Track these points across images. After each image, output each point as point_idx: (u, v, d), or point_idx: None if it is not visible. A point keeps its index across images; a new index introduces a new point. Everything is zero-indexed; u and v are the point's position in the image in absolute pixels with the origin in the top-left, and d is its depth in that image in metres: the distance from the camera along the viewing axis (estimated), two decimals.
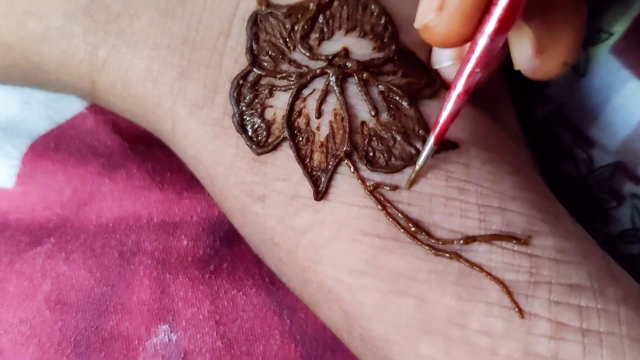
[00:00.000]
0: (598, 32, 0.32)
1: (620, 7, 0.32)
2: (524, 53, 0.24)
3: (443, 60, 0.27)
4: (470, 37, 0.22)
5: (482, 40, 0.21)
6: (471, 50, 0.22)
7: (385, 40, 0.26)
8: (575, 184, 0.34)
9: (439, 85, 0.26)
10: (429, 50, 0.27)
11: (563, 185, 0.34)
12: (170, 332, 0.30)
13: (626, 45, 0.31)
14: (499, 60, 0.27)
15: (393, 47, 0.26)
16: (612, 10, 0.32)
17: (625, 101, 0.32)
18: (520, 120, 0.33)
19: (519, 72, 0.27)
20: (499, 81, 0.31)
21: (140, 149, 0.33)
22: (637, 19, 0.32)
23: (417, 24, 0.23)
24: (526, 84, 0.35)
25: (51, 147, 0.33)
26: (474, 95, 0.27)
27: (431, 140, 0.23)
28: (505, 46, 0.25)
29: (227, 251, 0.31)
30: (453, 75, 0.27)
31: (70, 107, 0.34)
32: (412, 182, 0.24)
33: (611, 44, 0.32)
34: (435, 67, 0.27)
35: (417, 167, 0.24)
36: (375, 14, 0.26)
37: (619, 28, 0.32)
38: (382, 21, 0.26)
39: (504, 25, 0.21)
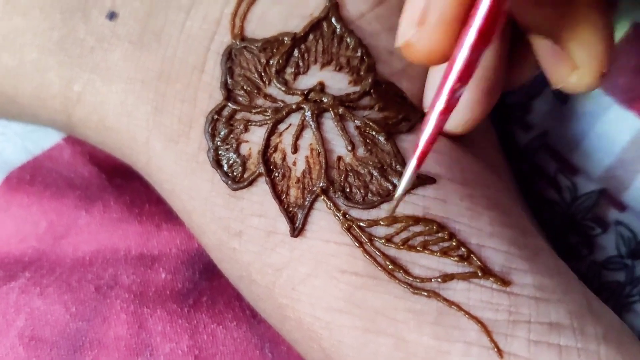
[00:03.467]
0: None
1: None
2: (560, 72, 0.24)
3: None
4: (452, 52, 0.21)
5: (463, 54, 0.20)
6: (450, 66, 0.21)
7: (361, 73, 0.26)
8: (560, 211, 0.33)
9: (417, 119, 0.25)
10: (409, 78, 0.27)
11: (547, 212, 0.34)
12: None
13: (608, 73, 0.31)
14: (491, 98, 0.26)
15: (369, 81, 0.25)
16: None
17: (608, 128, 0.32)
18: (502, 147, 0.33)
19: (500, 100, 0.27)
20: None
21: (118, 181, 0.32)
22: (618, 46, 0.32)
23: (398, 43, 0.22)
24: (508, 110, 0.35)
25: (27, 179, 0.32)
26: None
27: (413, 164, 0.22)
28: (493, 75, 0.25)
29: (207, 284, 0.31)
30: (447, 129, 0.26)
31: (47, 138, 0.33)
32: (392, 210, 0.23)
33: None
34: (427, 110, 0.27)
35: (399, 193, 0.23)
36: (351, 46, 0.26)
37: None
38: (358, 54, 0.26)
39: (484, 37, 0.20)
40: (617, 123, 0.32)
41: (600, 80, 0.24)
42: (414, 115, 0.26)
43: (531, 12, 0.23)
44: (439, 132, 0.22)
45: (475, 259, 0.23)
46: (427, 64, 0.22)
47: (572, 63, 0.23)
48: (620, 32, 0.32)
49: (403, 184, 0.23)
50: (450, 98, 0.21)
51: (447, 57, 0.21)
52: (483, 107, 0.26)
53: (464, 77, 0.21)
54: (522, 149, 0.34)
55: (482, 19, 0.19)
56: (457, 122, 0.26)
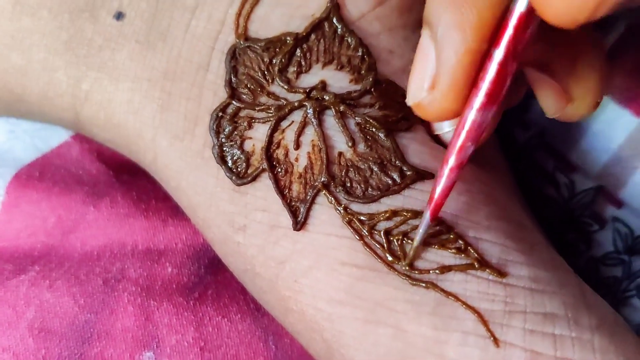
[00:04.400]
0: None
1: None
2: (554, 105, 0.24)
3: (444, 127, 0.27)
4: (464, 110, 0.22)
5: (471, 115, 0.21)
6: (461, 125, 0.21)
7: (362, 72, 0.26)
8: (558, 207, 0.34)
9: (416, 119, 0.26)
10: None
11: (546, 209, 0.34)
12: (155, 358, 0.30)
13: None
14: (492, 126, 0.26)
15: (370, 79, 0.26)
16: None
17: (605, 126, 0.33)
18: (502, 145, 0.34)
19: None
20: None
21: (125, 178, 0.33)
22: (614, 47, 0.32)
23: (410, 102, 0.22)
24: (507, 110, 0.35)
25: (36, 176, 0.33)
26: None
27: (427, 217, 0.23)
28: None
29: (212, 278, 0.31)
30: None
31: (56, 136, 0.34)
32: (411, 259, 0.24)
33: None
34: (437, 133, 0.27)
35: (415, 244, 0.24)
36: (352, 46, 0.27)
37: None
38: (359, 53, 0.27)
39: (493, 98, 0.20)
40: (614, 121, 0.32)
41: (594, 108, 0.24)
42: (412, 115, 0.26)
43: (530, 50, 0.24)
44: (452, 186, 0.23)
45: (472, 251, 0.24)
46: (438, 121, 0.23)
47: (568, 96, 0.24)
48: (615, 33, 0.33)
49: (420, 234, 0.23)
50: (461, 155, 0.22)
51: (457, 114, 0.22)
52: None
53: (474, 136, 0.21)
54: (521, 147, 0.35)
55: (490, 82, 0.20)
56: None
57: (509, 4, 0.19)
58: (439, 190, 0.23)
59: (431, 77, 0.21)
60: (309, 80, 0.26)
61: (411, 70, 0.22)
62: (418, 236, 0.23)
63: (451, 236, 0.24)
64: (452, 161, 0.22)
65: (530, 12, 0.19)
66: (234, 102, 0.26)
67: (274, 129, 0.26)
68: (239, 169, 0.26)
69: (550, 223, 0.34)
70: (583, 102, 0.24)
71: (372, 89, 0.26)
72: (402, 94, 0.27)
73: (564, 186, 0.34)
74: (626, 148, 0.32)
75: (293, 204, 0.25)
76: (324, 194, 0.25)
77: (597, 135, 0.33)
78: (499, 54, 0.20)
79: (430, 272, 0.24)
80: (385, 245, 0.24)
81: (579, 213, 0.34)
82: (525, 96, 0.35)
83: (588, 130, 0.33)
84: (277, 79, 0.26)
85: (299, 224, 0.25)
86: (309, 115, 0.26)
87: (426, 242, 0.24)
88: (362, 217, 0.24)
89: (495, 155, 0.32)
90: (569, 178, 0.34)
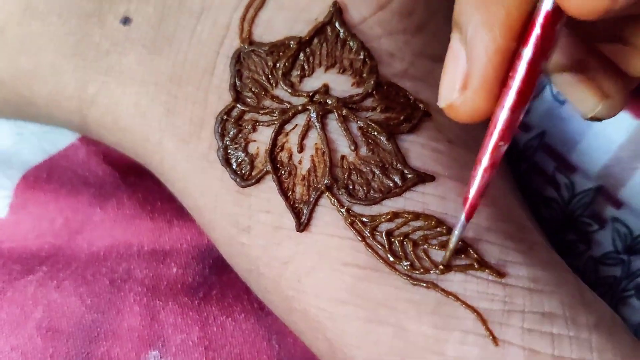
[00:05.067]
0: None
1: None
2: (592, 104, 0.24)
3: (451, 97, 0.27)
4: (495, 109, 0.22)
5: (503, 114, 0.21)
6: (493, 125, 0.21)
7: (364, 75, 0.27)
8: (558, 208, 0.34)
9: (418, 119, 0.27)
10: (411, 79, 0.28)
11: (546, 209, 0.35)
12: (160, 357, 0.30)
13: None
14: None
15: (372, 82, 0.27)
16: None
17: (605, 127, 0.33)
18: None
19: None
20: None
21: (131, 179, 0.34)
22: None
23: (442, 104, 0.22)
24: None
25: (43, 177, 0.33)
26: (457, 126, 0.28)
27: (462, 218, 0.23)
28: None
29: (216, 279, 0.32)
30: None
31: (63, 138, 0.35)
32: (448, 259, 0.24)
33: None
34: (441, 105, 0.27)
35: (452, 245, 0.24)
36: (354, 49, 0.27)
37: None
38: (361, 56, 0.27)
39: (523, 97, 0.21)
40: (614, 123, 0.33)
41: (627, 104, 0.24)
42: (416, 114, 0.27)
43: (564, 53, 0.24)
44: (486, 186, 0.23)
45: (472, 251, 0.24)
46: (471, 122, 0.23)
47: (603, 93, 0.23)
48: None
49: (456, 235, 0.24)
50: (494, 154, 0.22)
51: (489, 114, 0.22)
52: None
53: (506, 135, 0.21)
54: (522, 148, 0.35)
55: (521, 80, 0.20)
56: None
57: (536, 2, 0.20)
58: (473, 191, 0.23)
59: (462, 77, 0.21)
60: (312, 83, 0.27)
61: (442, 73, 0.22)
62: (454, 237, 0.24)
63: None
64: (485, 161, 0.22)
65: (556, 10, 0.19)
66: (238, 105, 0.27)
67: (278, 132, 0.26)
68: (243, 171, 0.27)
69: (551, 223, 0.34)
70: (618, 97, 0.24)
71: (374, 92, 0.27)
72: (404, 95, 0.27)
73: (564, 187, 0.34)
74: (626, 149, 0.33)
75: (296, 205, 0.26)
76: (327, 196, 0.25)
77: (597, 136, 0.33)
78: (527, 52, 0.20)
79: (431, 272, 0.24)
80: (386, 246, 0.25)
81: (579, 213, 0.34)
82: None
83: (588, 131, 0.34)
84: (281, 83, 0.27)
85: (302, 225, 0.25)
86: (312, 119, 0.26)
87: (427, 243, 0.25)
88: (364, 219, 0.25)
89: None
90: (569, 179, 0.34)
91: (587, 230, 0.34)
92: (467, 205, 0.23)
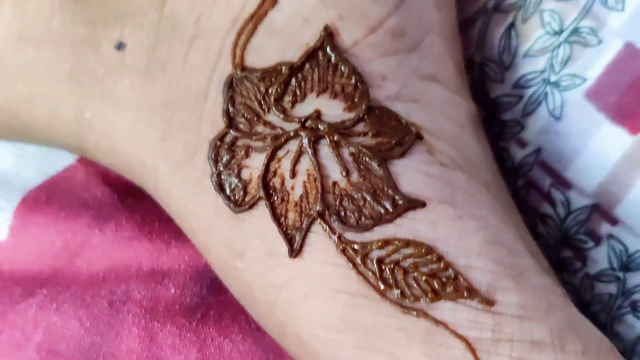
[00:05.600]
0: (572, 77, 0.33)
1: (594, 54, 0.33)
2: None
3: None
4: None
5: None
6: None
7: (355, 100, 0.27)
8: (554, 225, 0.34)
9: (410, 144, 0.27)
10: (403, 101, 0.28)
11: (542, 226, 0.35)
12: None
13: (600, 90, 0.32)
14: None
15: (363, 107, 0.27)
16: (585, 56, 0.33)
17: (601, 144, 0.33)
18: (498, 163, 0.34)
19: (495, 117, 0.28)
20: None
21: (130, 201, 0.34)
22: (610, 65, 0.33)
23: None
24: (503, 127, 0.36)
25: (43, 200, 0.34)
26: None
27: None
28: None
29: (214, 299, 0.32)
30: None
31: (62, 159, 0.35)
32: None
33: (585, 89, 0.32)
34: None
35: None
36: (345, 74, 0.27)
37: (593, 73, 0.32)
38: (352, 81, 0.27)
39: None
40: (610, 139, 0.33)
41: None
42: (408, 138, 0.27)
43: None
44: None
45: (462, 279, 0.24)
46: None
47: None
48: (613, 51, 0.33)
49: None
50: None
51: None
52: None
53: None
54: (518, 165, 0.35)
55: None
56: None
57: None
58: None
59: None
60: (304, 109, 0.27)
61: None
62: None
63: (441, 265, 0.24)
64: None
65: None
66: (231, 131, 0.27)
67: (271, 158, 0.26)
68: (236, 197, 0.27)
69: (547, 240, 0.34)
70: None
71: (365, 117, 0.27)
72: (396, 119, 0.27)
73: (560, 204, 0.34)
74: (622, 166, 0.33)
75: (289, 231, 0.26)
76: (319, 222, 0.25)
77: (594, 153, 0.33)
78: None
79: (421, 300, 0.24)
80: (377, 274, 0.25)
81: (574, 230, 0.34)
82: (521, 114, 0.35)
83: (584, 148, 0.34)
84: (273, 109, 0.27)
85: (295, 252, 0.25)
86: (304, 145, 0.26)
87: (417, 271, 0.25)
88: (355, 246, 0.25)
89: (492, 174, 0.32)
90: (565, 195, 0.34)
91: (582, 247, 0.34)
92: None
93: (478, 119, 0.32)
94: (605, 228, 0.33)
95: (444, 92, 0.29)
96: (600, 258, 0.33)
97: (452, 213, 0.26)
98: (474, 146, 0.31)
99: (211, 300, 0.32)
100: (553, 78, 0.33)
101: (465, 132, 0.30)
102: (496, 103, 0.35)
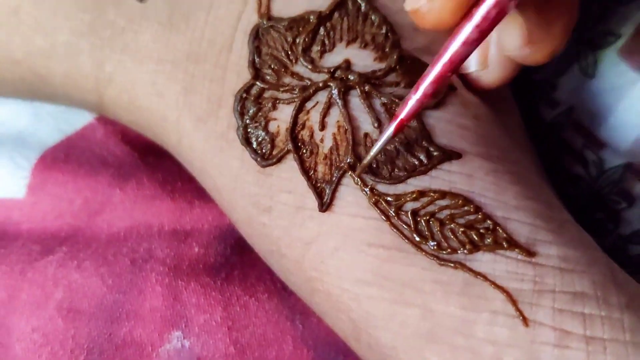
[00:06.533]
0: (606, 34, 0.32)
1: (628, 10, 0.32)
2: (514, 41, 0.24)
3: (470, 66, 0.27)
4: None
5: (456, 45, 0.21)
6: (444, 52, 0.22)
7: (386, 49, 0.26)
8: (586, 186, 0.34)
9: (444, 95, 0.26)
10: (434, 54, 0.27)
11: (573, 188, 0.34)
12: (183, 338, 0.30)
13: (634, 47, 0.31)
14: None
15: (395, 57, 0.26)
16: (619, 13, 0.32)
17: (635, 102, 0.32)
18: (528, 124, 0.33)
19: (525, 75, 0.27)
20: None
21: (150, 159, 0.33)
22: None
23: (408, 7, 0.23)
24: (534, 87, 0.35)
25: (61, 158, 0.33)
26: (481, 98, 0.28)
27: (390, 131, 0.24)
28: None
29: (238, 259, 0.32)
30: (478, 80, 0.27)
31: (80, 118, 0.34)
32: (364, 167, 0.24)
33: (619, 46, 0.32)
34: (461, 72, 0.27)
35: (372, 154, 0.24)
36: (375, 23, 0.26)
37: (627, 30, 0.31)
38: (383, 30, 0.26)
39: (482, 33, 0.21)
40: None
41: (549, 57, 0.24)
42: (439, 92, 0.26)
43: None
44: (420, 109, 0.23)
45: (500, 231, 0.24)
46: (433, 30, 0.23)
47: (529, 38, 0.24)
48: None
49: (377, 146, 0.24)
50: (438, 82, 0.22)
51: (453, 27, 0.22)
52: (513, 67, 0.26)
53: (455, 67, 0.22)
54: (548, 125, 0.34)
55: (482, 17, 0.20)
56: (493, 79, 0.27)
57: None
58: (405, 111, 0.23)
59: None
60: (333, 59, 0.26)
61: None
62: (375, 149, 0.24)
63: (479, 216, 0.24)
64: (426, 87, 0.23)
65: None
66: (257, 83, 0.26)
67: (299, 110, 0.26)
68: (263, 151, 0.26)
69: (578, 202, 0.34)
70: (542, 47, 0.24)
71: (397, 67, 0.26)
72: None
73: (592, 164, 0.33)
74: None
75: (318, 185, 0.25)
76: (350, 175, 0.25)
77: (627, 111, 0.32)
78: None
79: (459, 252, 0.24)
80: (412, 226, 0.24)
81: (607, 191, 0.33)
82: (553, 74, 0.34)
83: (618, 106, 0.33)
84: (301, 59, 0.26)
85: (325, 205, 0.25)
86: (333, 96, 0.25)
87: (454, 223, 0.24)
88: (388, 198, 0.24)
89: (521, 135, 0.31)
90: (597, 155, 0.33)
91: (615, 208, 0.33)
92: (397, 122, 0.23)
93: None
94: (639, 188, 0.32)
95: None
96: (633, 219, 0.33)
97: (487, 166, 0.25)
98: (504, 104, 0.30)
99: (235, 260, 0.31)
100: (586, 35, 0.32)
101: (494, 89, 0.29)
102: None
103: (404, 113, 0.23)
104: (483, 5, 0.20)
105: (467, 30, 0.21)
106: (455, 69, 0.22)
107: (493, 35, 0.26)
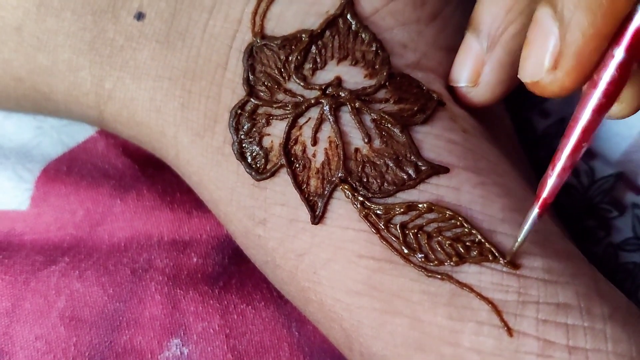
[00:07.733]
0: None
1: None
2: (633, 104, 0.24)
3: (460, 80, 0.27)
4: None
5: (587, 115, 0.21)
6: (576, 126, 0.21)
7: (376, 66, 0.27)
8: (578, 195, 0.34)
9: (432, 110, 0.26)
10: (423, 70, 0.28)
11: (565, 197, 0.34)
12: (182, 345, 0.31)
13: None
14: None
15: (385, 74, 0.26)
16: None
17: None
18: (520, 134, 0.34)
19: (517, 87, 0.27)
20: None
21: (150, 171, 0.34)
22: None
23: (526, 79, 0.22)
24: (526, 98, 0.35)
25: (63, 170, 0.34)
26: (471, 111, 0.28)
27: (535, 213, 0.23)
28: None
29: (236, 268, 0.32)
30: (466, 95, 0.28)
31: (82, 131, 0.35)
32: (513, 254, 0.24)
33: None
34: (451, 84, 0.28)
35: (520, 239, 0.24)
36: (366, 41, 0.27)
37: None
38: (373, 48, 0.27)
39: (611, 98, 0.20)
40: None
41: (635, 112, 0.24)
42: (430, 105, 0.27)
43: None
44: (561, 185, 0.23)
45: (487, 244, 0.24)
46: (554, 97, 0.22)
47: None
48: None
49: (525, 230, 0.24)
50: (575, 155, 0.22)
51: (573, 91, 0.21)
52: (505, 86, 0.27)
53: (588, 137, 0.21)
54: (540, 135, 0.35)
55: (608, 82, 0.20)
56: (481, 97, 0.27)
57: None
58: (547, 190, 0.23)
59: (553, 56, 0.21)
60: (325, 76, 0.27)
61: (527, 47, 0.22)
62: (523, 232, 0.24)
63: (466, 229, 0.24)
64: (564, 161, 0.22)
65: None
66: (252, 99, 0.27)
67: (292, 125, 0.26)
68: (258, 165, 0.27)
69: (570, 210, 0.34)
70: (628, 104, 0.24)
71: (387, 83, 0.27)
72: (417, 86, 0.27)
73: (584, 173, 0.34)
74: None
75: (311, 198, 0.26)
76: (341, 188, 0.25)
77: (617, 122, 0.33)
78: (619, 53, 0.20)
79: (446, 264, 0.24)
80: (401, 239, 0.25)
81: (598, 200, 0.34)
82: None
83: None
84: (294, 76, 0.27)
85: (317, 218, 0.26)
86: (325, 112, 0.26)
87: (441, 235, 0.25)
88: (378, 211, 0.25)
89: (512, 145, 0.32)
90: (588, 165, 0.34)
91: (606, 216, 0.34)
92: (540, 202, 0.23)
93: None
94: (629, 197, 0.33)
95: None
96: (624, 227, 0.33)
97: (475, 179, 0.26)
98: (493, 116, 0.31)
99: (233, 270, 0.32)
100: None
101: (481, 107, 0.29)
102: None
103: (545, 192, 0.23)
104: (607, 71, 0.20)
105: (595, 98, 0.20)
106: (590, 138, 0.21)
107: (492, 55, 0.26)
